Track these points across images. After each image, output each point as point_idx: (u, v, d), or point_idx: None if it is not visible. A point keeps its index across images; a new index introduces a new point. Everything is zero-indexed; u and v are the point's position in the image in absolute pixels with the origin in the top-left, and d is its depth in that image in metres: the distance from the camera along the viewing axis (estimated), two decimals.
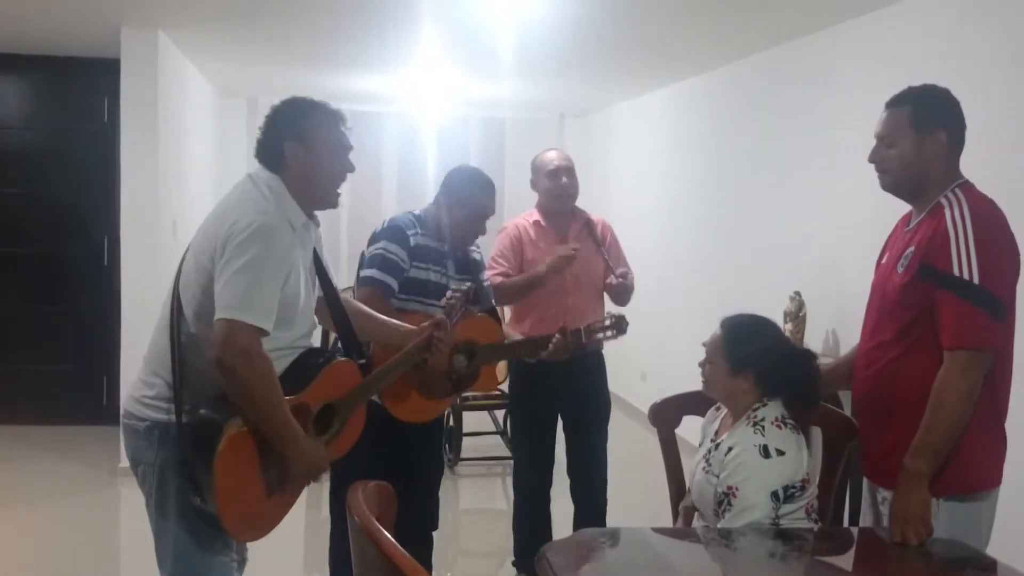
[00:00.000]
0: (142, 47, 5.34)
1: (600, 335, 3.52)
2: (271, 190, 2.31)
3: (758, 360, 2.44)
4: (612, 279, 3.76)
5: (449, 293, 2.88)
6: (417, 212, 3.35)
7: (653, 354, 7.04)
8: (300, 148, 2.34)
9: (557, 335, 3.35)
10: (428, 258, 3.24)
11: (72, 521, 4.89)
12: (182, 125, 6.21)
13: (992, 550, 2.30)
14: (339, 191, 2.46)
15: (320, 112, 2.40)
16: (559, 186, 3.82)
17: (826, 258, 4.75)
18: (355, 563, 1.68)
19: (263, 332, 2.16)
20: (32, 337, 6.51)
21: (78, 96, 6.49)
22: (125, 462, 2.40)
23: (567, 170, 3.84)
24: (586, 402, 3.93)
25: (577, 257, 3.69)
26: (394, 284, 3.14)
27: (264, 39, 5.55)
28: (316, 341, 2.58)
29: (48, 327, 6.53)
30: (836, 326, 4.52)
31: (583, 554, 2.17)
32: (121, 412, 2.40)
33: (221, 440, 2.13)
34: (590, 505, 3.95)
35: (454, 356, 3.08)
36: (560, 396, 3.87)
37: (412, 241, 3.20)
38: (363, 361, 2.54)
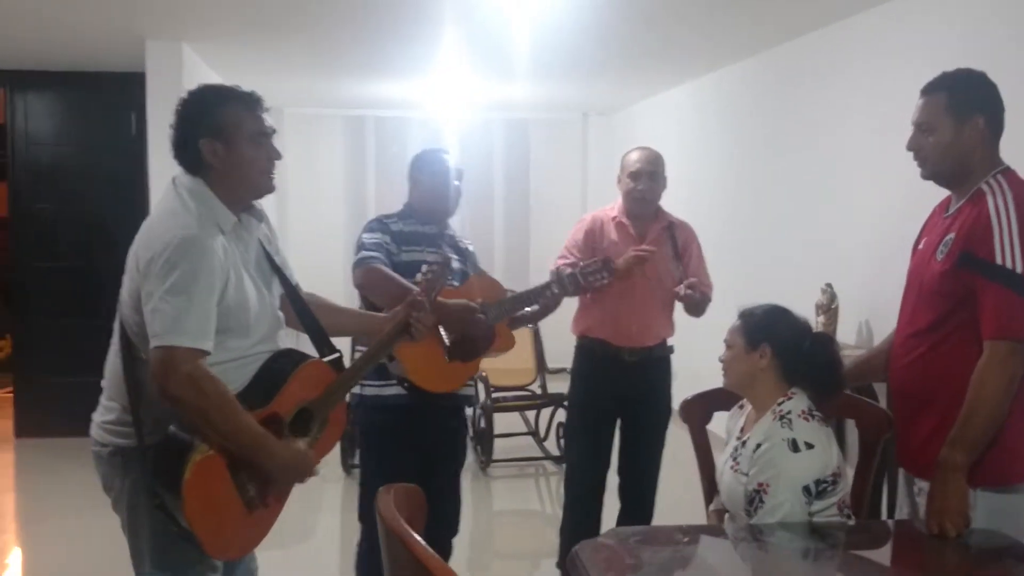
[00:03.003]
0: (167, 60, 5.40)
1: (593, 279, 3.41)
2: (192, 195, 2.16)
3: (774, 333, 2.42)
4: (681, 288, 3.63)
5: (424, 268, 2.77)
6: (396, 211, 3.41)
7: (683, 352, 6.97)
8: (218, 145, 2.17)
9: (554, 281, 3.36)
10: (420, 241, 3.28)
11: (104, 534, 4.91)
12: None
13: None
14: (272, 175, 2.28)
15: (232, 101, 2.21)
16: (636, 189, 3.73)
17: (857, 248, 4.70)
18: (386, 566, 1.68)
19: (202, 353, 2.04)
20: (65, 350, 6.55)
21: (106, 110, 6.57)
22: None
23: (648, 173, 3.73)
24: (644, 407, 3.84)
25: (650, 260, 3.60)
26: (383, 258, 3.15)
27: (286, 49, 5.59)
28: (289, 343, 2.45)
29: (80, 340, 6.57)
30: (870, 317, 4.46)
31: (615, 553, 2.15)
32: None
33: (187, 468, 2.03)
34: (638, 507, 3.87)
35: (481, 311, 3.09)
36: (622, 401, 3.80)
37: (394, 227, 3.26)
38: (336, 355, 2.40)
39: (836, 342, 2.55)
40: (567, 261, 3.67)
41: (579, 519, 3.87)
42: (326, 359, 2.38)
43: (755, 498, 2.30)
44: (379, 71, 6.43)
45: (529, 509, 5.63)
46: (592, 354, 3.81)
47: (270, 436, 2.14)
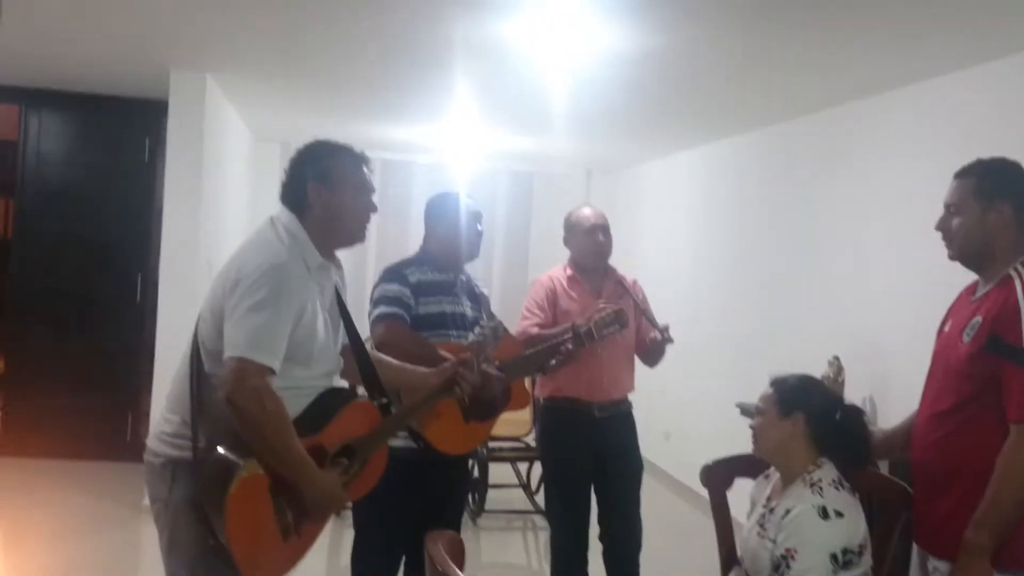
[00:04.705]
0: (190, 90, 5.43)
1: (607, 329, 3.51)
2: (288, 232, 2.35)
3: (808, 403, 2.46)
4: (657, 334, 3.72)
5: (477, 330, 2.87)
6: (411, 256, 3.42)
7: (678, 413, 7.02)
8: (324, 189, 2.38)
9: (569, 337, 3.43)
10: (436, 291, 3.29)
11: (94, 558, 4.86)
12: (222, 168, 6.30)
13: None
14: (366, 228, 2.50)
15: (343, 154, 2.46)
16: (596, 243, 3.84)
17: (863, 326, 4.75)
18: None
19: (271, 371, 2.18)
20: (60, 371, 6.51)
21: (120, 135, 6.59)
22: (148, 499, 2.43)
23: (603, 228, 3.88)
24: (618, 462, 3.89)
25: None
26: (404, 314, 3.16)
27: (306, 85, 5.64)
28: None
29: (76, 362, 6.54)
30: (874, 393, 4.51)
31: None
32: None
33: (234, 482, 2.14)
34: (624, 572, 3.88)
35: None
36: (597, 459, 3.84)
37: (412, 278, 3.26)
38: (384, 401, 2.55)
39: (865, 414, 2.59)
40: (533, 321, 3.73)
41: None
42: (375, 403, 2.50)
43: (781, 564, 2.32)
44: (393, 115, 6.50)
45: (516, 563, 5.60)
46: (563, 413, 3.86)
47: (313, 463, 2.24)
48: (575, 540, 3.88)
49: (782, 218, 5.76)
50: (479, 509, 5.89)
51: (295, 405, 2.26)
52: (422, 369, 2.79)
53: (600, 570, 3.96)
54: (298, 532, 2.29)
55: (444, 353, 3.02)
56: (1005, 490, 2.21)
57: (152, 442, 2.38)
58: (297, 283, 2.28)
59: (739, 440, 2.61)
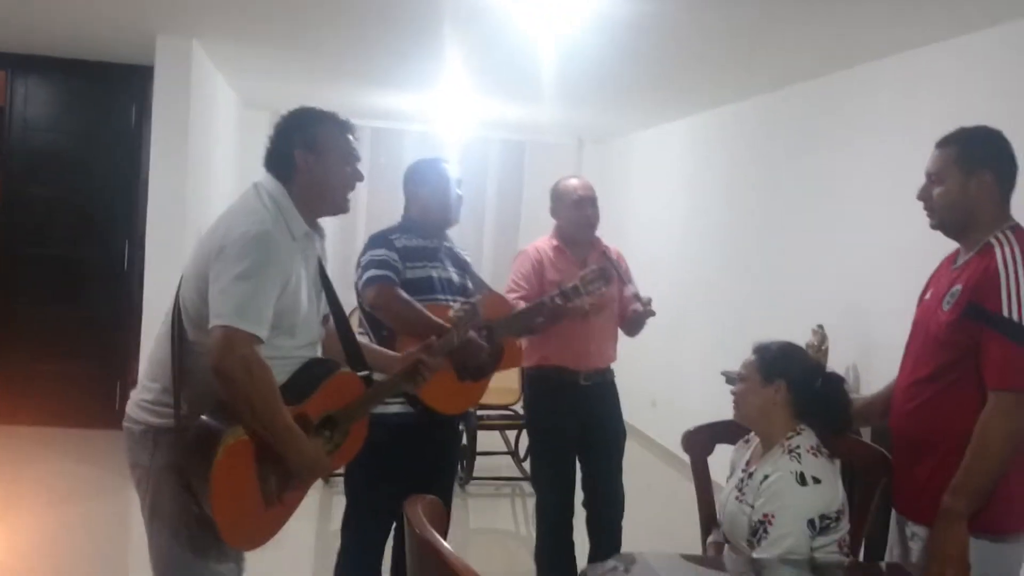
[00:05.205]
0: (177, 55, 5.39)
1: (592, 285, 3.52)
2: (273, 199, 2.33)
3: (790, 370, 2.48)
4: (638, 305, 3.76)
5: (457, 306, 2.89)
6: (395, 224, 3.42)
7: (664, 381, 7.06)
8: (310, 156, 2.37)
9: (556, 293, 3.45)
10: (421, 256, 3.30)
11: (82, 524, 4.89)
12: (209, 134, 6.26)
13: None
14: (349, 196, 2.48)
15: (330, 121, 2.44)
16: (583, 216, 3.84)
17: (848, 294, 4.78)
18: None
19: (258, 340, 2.17)
20: (47, 338, 6.52)
21: (107, 101, 6.55)
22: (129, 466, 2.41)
23: (591, 200, 3.87)
24: (602, 430, 3.93)
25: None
26: (394, 277, 3.17)
27: (295, 51, 5.60)
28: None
29: (64, 329, 6.54)
30: (857, 362, 4.53)
31: None
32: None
33: (219, 449, 2.13)
34: (607, 538, 3.92)
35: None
36: (582, 426, 3.87)
37: (398, 244, 3.27)
38: (366, 373, 2.54)
39: (847, 382, 2.60)
40: (519, 295, 3.74)
41: (555, 546, 3.95)
42: (358, 374, 2.49)
43: (759, 529, 2.34)
44: (382, 82, 6.45)
45: (504, 529, 5.65)
46: (549, 382, 3.88)
47: (301, 432, 2.24)
48: (560, 506, 3.92)
49: (771, 188, 5.76)
50: (468, 476, 5.94)
51: (280, 374, 2.25)
52: (390, 353, 2.80)
53: (584, 535, 4.00)
54: (280, 499, 2.29)
55: (433, 317, 3.05)
56: (982, 457, 2.23)
57: (132, 409, 2.36)
58: (283, 251, 2.26)
59: (725, 408, 2.62)
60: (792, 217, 5.47)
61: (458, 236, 3.63)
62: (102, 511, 5.13)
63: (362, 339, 2.85)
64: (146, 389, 2.35)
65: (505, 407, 6.02)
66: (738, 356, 2.63)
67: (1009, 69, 3.83)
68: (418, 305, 3.11)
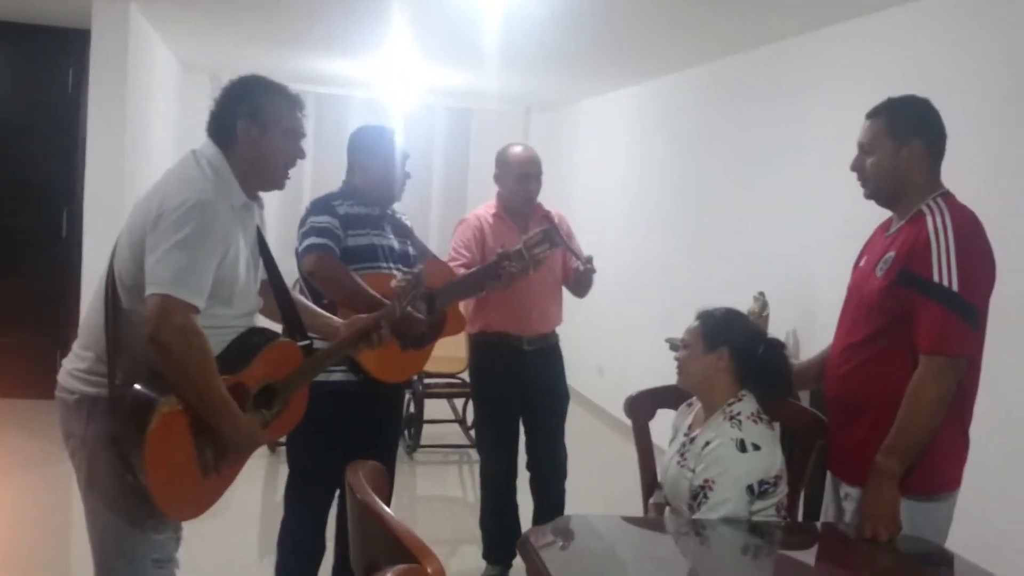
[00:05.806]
0: (114, 18, 5.25)
1: (538, 249, 3.50)
2: (212, 168, 2.28)
3: (732, 337, 2.52)
4: (580, 265, 3.75)
5: (400, 276, 2.87)
6: (336, 189, 3.38)
7: (611, 349, 7.13)
8: (254, 126, 2.31)
9: (501, 256, 3.42)
10: (364, 224, 3.27)
11: (21, 496, 4.82)
12: (148, 98, 6.13)
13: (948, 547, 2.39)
14: (288, 174, 2.42)
15: (279, 94, 2.37)
16: (525, 190, 3.85)
17: (791, 261, 4.85)
18: (355, 543, 1.71)
19: (195, 309, 2.13)
20: None
21: (43, 65, 6.36)
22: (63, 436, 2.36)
23: (535, 175, 3.87)
24: (545, 394, 3.98)
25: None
26: (334, 246, 3.14)
27: (235, 13, 5.48)
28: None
29: (1, 299, 6.40)
30: (798, 328, 4.62)
31: (565, 539, 2.22)
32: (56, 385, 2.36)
33: (153, 418, 2.10)
34: (550, 500, 3.99)
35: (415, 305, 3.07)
36: (525, 391, 3.92)
37: (340, 210, 3.23)
38: (306, 343, 2.51)
39: (788, 348, 2.66)
40: (460, 262, 3.73)
41: (499, 508, 4.02)
42: (298, 344, 2.46)
43: (699, 493, 2.39)
44: (325, 47, 6.35)
45: (451, 496, 5.68)
46: (492, 348, 3.91)
47: (235, 404, 2.21)
48: (504, 468, 3.97)
49: (717, 155, 5.81)
50: (415, 444, 5.95)
51: (217, 344, 2.21)
52: (335, 319, 2.75)
53: (528, 497, 4.05)
54: (217, 470, 2.26)
55: (371, 291, 3.02)
56: (913, 419, 2.29)
57: (64, 379, 2.31)
58: (223, 221, 2.22)
59: (672, 375, 2.66)
60: (736, 185, 5.53)
61: (404, 204, 3.60)
62: (42, 482, 5.05)
63: (306, 302, 2.80)
64: (79, 358, 2.30)
65: (453, 375, 6.03)
66: (683, 323, 2.66)
67: (961, 33, 3.84)
68: (356, 277, 3.09)
